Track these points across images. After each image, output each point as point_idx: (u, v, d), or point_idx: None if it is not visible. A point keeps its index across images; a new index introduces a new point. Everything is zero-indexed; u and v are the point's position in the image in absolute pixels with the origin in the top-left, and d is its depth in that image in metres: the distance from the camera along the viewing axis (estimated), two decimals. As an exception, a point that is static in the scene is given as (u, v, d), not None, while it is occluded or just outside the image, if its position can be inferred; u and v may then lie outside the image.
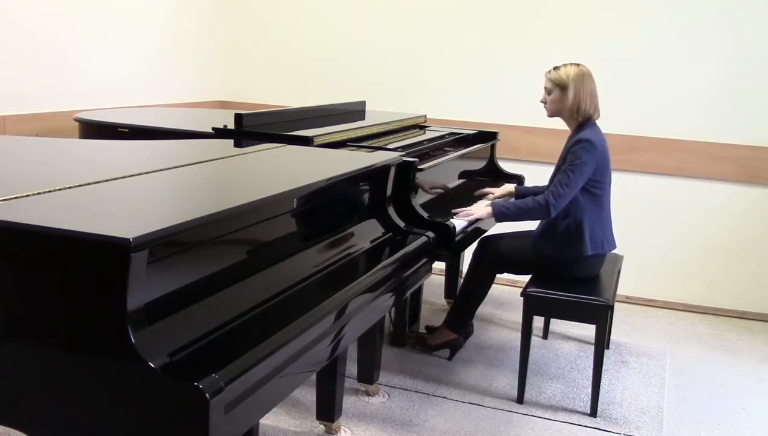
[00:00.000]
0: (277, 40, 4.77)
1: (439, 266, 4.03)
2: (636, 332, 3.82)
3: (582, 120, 2.94)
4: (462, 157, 3.45)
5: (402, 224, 2.64)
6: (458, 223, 2.86)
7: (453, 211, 3.03)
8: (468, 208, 3.06)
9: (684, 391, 3.13)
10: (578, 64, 2.96)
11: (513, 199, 3.23)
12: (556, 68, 2.97)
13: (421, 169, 2.88)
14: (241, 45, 4.85)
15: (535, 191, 3.22)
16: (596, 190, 2.91)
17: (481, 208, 3.03)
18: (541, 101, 3.03)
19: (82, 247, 1.39)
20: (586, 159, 2.84)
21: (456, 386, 3.04)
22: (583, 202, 2.91)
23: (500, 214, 2.97)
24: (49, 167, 2.25)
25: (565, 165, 2.89)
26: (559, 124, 3.08)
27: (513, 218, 2.99)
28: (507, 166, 3.95)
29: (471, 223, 3.01)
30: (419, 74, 4.47)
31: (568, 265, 2.97)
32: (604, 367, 2.88)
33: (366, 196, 2.58)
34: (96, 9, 3.74)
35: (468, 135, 3.74)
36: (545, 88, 3.00)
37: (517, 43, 4.27)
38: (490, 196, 3.33)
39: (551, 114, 3.03)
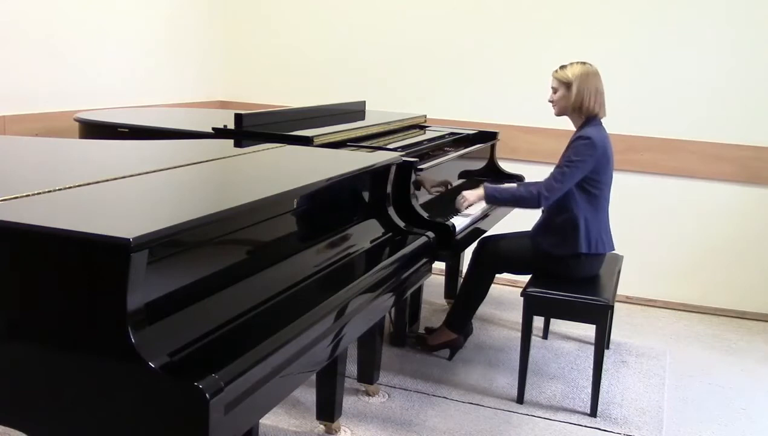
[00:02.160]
0: (277, 40, 4.77)
1: (439, 266, 4.03)
2: (636, 332, 3.82)
3: (586, 118, 2.94)
4: (462, 157, 3.45)
5: (402, 224, 2.64)
6: (458, 222, 2.86)
7: (456, 202, 3.09)
8: (462, 193, 3.09)
9: (684, 391, 3.13)
10: (585, 63, 2.97)
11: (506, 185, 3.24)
12: (562, 67, 2.99)
13: (421, 169, 2.88)
14: (241, 45, 4.85)
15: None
16: (594, 189, 2.91)
17: (472, 193, 3.06)
18: (549, 100, 3.04)
19: (83, 247, 1.39)
20: (583, 156, 2.84)
21: (456, 386, 3.04)
22: (580, 200, 2.91)
23: (491, 196, 2.99)
24: (49, 167, 2.25)
25: (563, 160, 2.89)
26: (560, 124, 3.08)
27: (503, 203, 3.06)
28: (507, 166, 3.94)
29: (472, 222, 3.01)
30: (419, 74, 4.47)
31: (567, 263, 2.97)
32: (604, 367, 2.88)
33: (366, 196, 2.58)
34: (96, 9, 3.74)
35: (468, 135, 3.73)
36: (552, 88, 3.01)
37: (517, 43, 4.27)
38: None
39: (558, 112, 3.03)
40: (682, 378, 3.26)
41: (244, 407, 1.46)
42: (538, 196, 2.87)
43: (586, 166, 2.86)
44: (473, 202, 3.07)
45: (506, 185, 3.12)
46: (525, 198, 2.92)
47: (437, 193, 3.17)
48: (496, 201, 3.03)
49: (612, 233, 3.05)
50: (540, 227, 3.04)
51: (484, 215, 3.18)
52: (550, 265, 3.00)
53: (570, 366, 3.31)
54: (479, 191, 3.02)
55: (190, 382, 1.33)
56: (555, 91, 3.00)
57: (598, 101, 2.94)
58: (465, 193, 3.08)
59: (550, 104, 3.03)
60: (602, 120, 2.98)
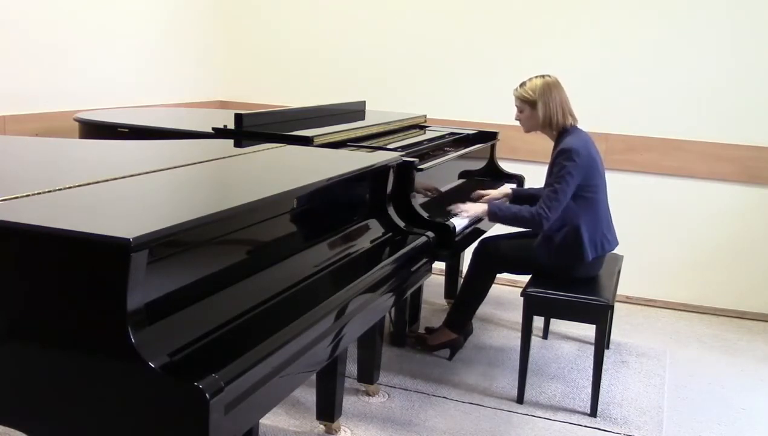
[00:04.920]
0: (277, 40, 4.77)
1: (439, 266, 4.03)
2: (636, 332, 3.82)
3: (559, 130, 2.94)
4: (462, 157, 3.45)
5: (402, 224, 2.64)
6: (459, 222, 2.86)
7: (449, 208, 3.02)
8: (462, 205, 3.02)
9: (684, 391, 3.13)
10: (544, 76, 2.94)
11: (508, 203, 3.20)
12: (522, 85, 2.97)
13: (421, 169, 2.88)
14: (241, 45, 4.85)
15: (532, 194, 3.22)
16: (589, 193, 2.89)
17: (475, 206, 3.00)
18: (516, 119, 3.03)
19: (83, 247, 1.39)
20: (570, 169, 2.81)
21: (456, 386, 3.04)
22: (578, 209, 2.88)
23: (492, 214, 2.92)
24: (49, 167, 2.26)
25: (552, 177, 2.86)
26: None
27: (504, 222, 2.96)
28: (507, 166, 3.94)
29: (471, 222, 3.01)
30: (419, 74, 4.47)
31: (569, 265, 2.97)
32: (604, 367, 2.88)
33: (366, 196, 2.58)
34: (96, 9, 3.74)
35: (468, 135, 3.74)
36: (516, 107, 3.00)
37: (517, 43, 4.26)
38: (486, 197, 3.31)
39: (527, 130, 3.03)
40: (682, 378, 3.26)
41: (244, 407, 1.46)
42: (539, 217, 2.81)
43: (576, 177, 2.83)
44: (474, 215, 2.98)
45: (509, 205, 3.04)
46: (526, 219, 2.85)
47: (437, 194, 3.17)
48: (497, 218, 2.94)
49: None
50: (542, 243, 2.99)
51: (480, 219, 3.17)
52: (551, 267, 2.99)
53: (570, 366, 3.31)
54: (483, 207, 2.96)
55: (190, 382, 1.33)
56: (521, 110, 2.98)
57: (564, 113, 2.91)
58: (468, 205, 3.02)
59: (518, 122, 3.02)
60: (584, 124, 2.97)
